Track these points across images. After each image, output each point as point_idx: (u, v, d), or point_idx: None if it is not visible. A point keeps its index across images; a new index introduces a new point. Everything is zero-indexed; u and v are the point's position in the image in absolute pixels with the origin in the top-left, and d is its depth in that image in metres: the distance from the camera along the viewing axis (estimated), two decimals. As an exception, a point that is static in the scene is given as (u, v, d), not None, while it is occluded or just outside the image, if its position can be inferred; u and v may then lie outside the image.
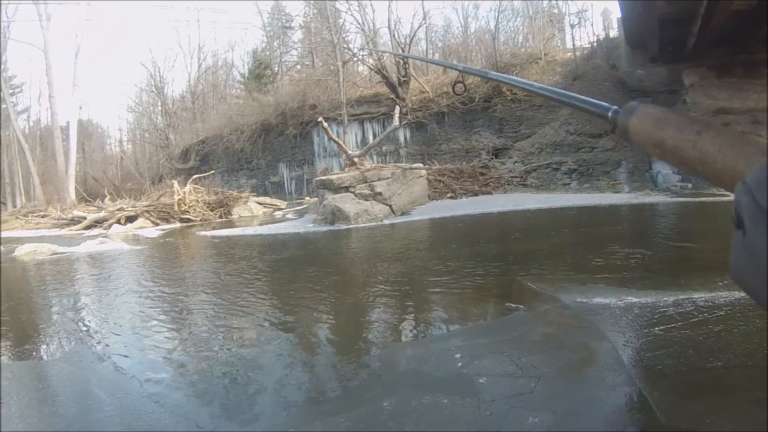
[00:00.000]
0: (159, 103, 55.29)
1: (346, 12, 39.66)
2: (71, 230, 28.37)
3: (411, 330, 7.59)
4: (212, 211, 29.26)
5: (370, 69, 37.04)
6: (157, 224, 28.02)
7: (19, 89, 62.17)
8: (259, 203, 32.36)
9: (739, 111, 22.81)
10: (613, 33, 33.62)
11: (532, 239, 14.53)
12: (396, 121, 27.25)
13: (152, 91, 56.94)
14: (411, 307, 8.75)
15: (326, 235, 19.03)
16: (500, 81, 1.91)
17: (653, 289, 8.01)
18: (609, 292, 8.08)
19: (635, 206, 19.81)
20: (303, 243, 17.98)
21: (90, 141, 64.21)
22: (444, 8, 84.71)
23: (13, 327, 9.37)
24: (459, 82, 2.78)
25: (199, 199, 29.65)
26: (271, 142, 40.69)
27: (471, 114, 32.46)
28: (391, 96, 33.86)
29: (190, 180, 31.20)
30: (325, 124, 25.18)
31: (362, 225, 20.00)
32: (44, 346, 8.03)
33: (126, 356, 7.07)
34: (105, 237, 23.51)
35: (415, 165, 26.78)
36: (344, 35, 40.00)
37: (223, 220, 28.55)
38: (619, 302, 7.52)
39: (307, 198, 33.71)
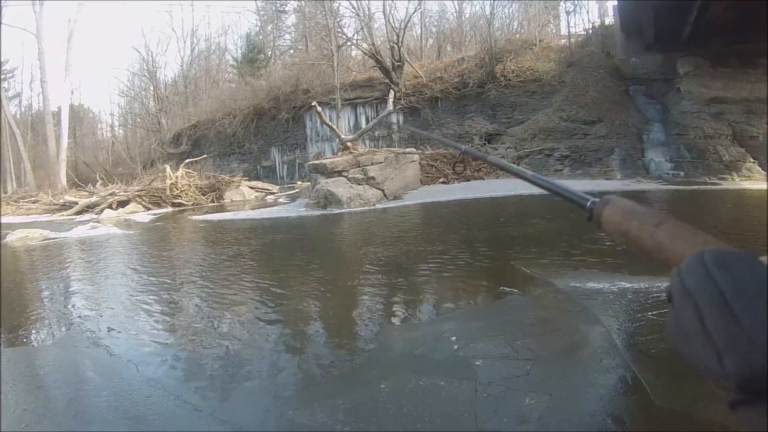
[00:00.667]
0: (151, 88, 54.93)
1: (341, -4, 39.47)
2: (63, 215, 28.21)
3: (406, 313, 7.63)
4: (204, 195, 29.20)
5: (364, 54, 36.90)
6: (149, 209, 27.91)
7: (10, 74, 61.93)
8: (251, 187, 32.24)
9: (733, 101, 22.91)
10: (609, 20, 33.68)
11: (525, 224, 14.61)
12: (390, 106, 27.20)
13: (144, 76, 56.60)
14: (405, 291, 8.77)
15: (319, 219, 19.03)
16: (498, 166, 1.96)
17: (646, 274, 8.02)
18: (602, 277, 8.16)
19: (628, 193, 19.50)
20: (296, 227, 17.97)
21: (81, 126, 63.92)
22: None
23: (7, 313, 9.35)
24: (459, 162, 2.82)
25: (191, 184, 29.58)
26: (263, 127, 40.62)
27: (464, 99, 32.43)
28: (385, 81, 33.75)
29: (183, 164, 31.16)
30: (319, 109, 25.05)
31: (355, 209, 20.03)
32: (38, 332, 8.01)
33: (120, 341, 7.08)
34: (96, 222, 23.46)
35: (408, 150, 26.85)
36: (339, 20, 39.92)
37: (215, 204, 28.46)
38: (612, 287, 7.60)
39: (299, 182, 33.64)
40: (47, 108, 47.01)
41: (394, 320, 7.34)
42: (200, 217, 22.30)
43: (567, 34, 35.54)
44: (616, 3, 28.43)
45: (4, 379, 5.94)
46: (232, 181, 30.94)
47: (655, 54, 26.12)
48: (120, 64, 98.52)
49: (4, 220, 28.36)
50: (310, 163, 24.68)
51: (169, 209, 27.32)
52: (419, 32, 43.55)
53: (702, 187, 19.63)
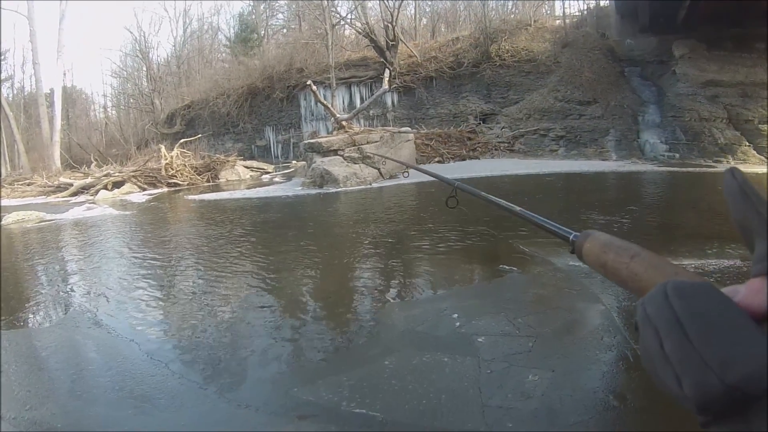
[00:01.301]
0: (144, 68, 54.77)
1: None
2: (58, 197, 28.16)
3: (407, 291, 7.67)
4: (199, 175, 29.17)
5: (358, 33, 36.75)
6: (144, 189, 27.88)
7: (2, 56, 61.61)
8: (246, 167, 32.19)
9: (729, 84, 22.87)
10: (604, 1, 33.52)
11: (521, 204, 14.34)
12: (385, 85, 27.14)
13: (137, 56, 56.44)
14: (404, 269, 8.83)
15: (315, 198, 19.07)
16: (491, 202, 2.03)
17: (644, 255, 8.07)
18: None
19: (623, 174, 19.97)
20: (292, 206, 18.03)
21: (74, 107, 63.58)
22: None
23: (7, 295, 9.35)
24: (452, 196, 2.84)
25: (186, 164, 29.52)
26: (257, 106, 40.46)
27: (459, 79, 32.30)
28: (379, 60, 33.64)
29: (177, 144, 31.08)
30: (314, 88, 25.03)
31: (351, 188, 20.06)
32: (39, 313, 8.01)
33: (121, 321, 7.10)
34: (92, 203, 23.46)
35: (403, 129, 26.66)
36: (332, -1, 39.53)
37: (211, 184, 28.43)
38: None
39: (294, 162, 33.54)
40: (40, 90, 46.94)
41: (394, 298, 7.37)
42: (196, 197, 22.28)
43: (562, 14, 35.33)
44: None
45: (7, 361, 5.95)
46: (228, 161, 30.88)
47: (650, 36, 26.05)
48: (112, 44, 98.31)
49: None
50: (305, 142, 24.62)
51: (165, 189, 27.31)
52: (413, 12, 43.42)
53: (697, 169, 19.63)
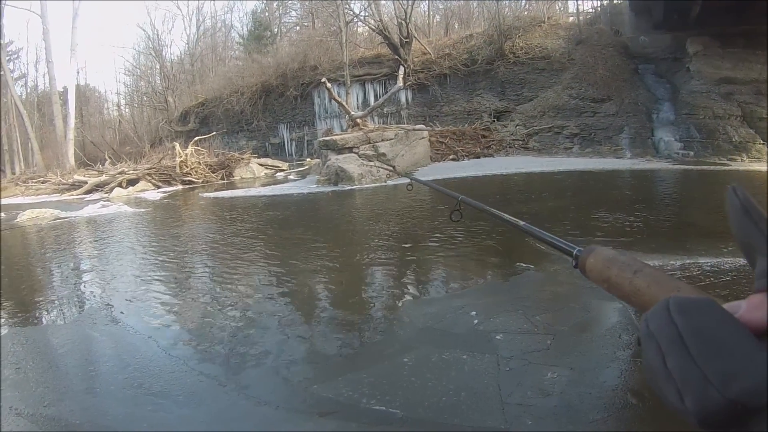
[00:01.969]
0: (157, 66, 54.85)
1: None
2: (72, 195, 28.30)
3: (424, 288, 7.68)
4: (214, 173, 29.28)
5: (372, 30, 36.72)
6: (159, 187, 28.04)
7: (15, 55, 61.85)
8: (261, 165, 32.31)
9: (743, 81, 22.74)
10: (618, -2, 33.41)
11: (537, 201, 14.63)
12: (400, 82, 27.21)
13: (150, 54, 56.57)
14: (422, 266, 8.83)
15: (331, 196, 19.11)
16: (495, 216, 2.02)
17: (659, 252, 8.10)
18: (615, 255, 8.10)
19: (638, 172, 19.84)
20: (307, 203, 18.07)
21: (88, 105, 63.71)
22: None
23: (24, 292, 9.41)
24: (456, 209, 2.84)
25: (201, 161, 29.63)
26: (271, 104, 40.41)
27: (473, 76, 32.23)
28: (393, 57, 33.65)
29: (192, 142, 31.18)
30: (329, 85, 25.01)
31: (366, 186, 20.09)
32: (56, 310, 8.04)
33: (138, 318, 7.13)
34: (107, 201, 23.62)
35: (417, 126, 26.73)
36: (345, -3, 39.47)
37: (225, 181, 28.56)
38: (626, 263, 7.51)
39: (308, 159, 33.65)
40: (53, 88, 47.03)
41: (412, 295, 7.37)
42: (211, 195, 22.40)
43: (575, 11, 35.26)
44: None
45: (24, 358, 6.00)
46: (242, 159, 31.02)
47: (664, 33, 25.95)
48: (125, 42, 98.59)
49: (14, 200, 28.43)
50: (320, 139, 24.69)
51: (179, 187, 27.44)
52: (426, 8, 43.34)
53: (711, 167, 19.53)
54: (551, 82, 29.40)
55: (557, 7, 38.43)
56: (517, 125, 29.18)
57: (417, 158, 24.76)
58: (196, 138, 32.39)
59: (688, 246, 8.42)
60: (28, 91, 61.51)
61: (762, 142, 21.82)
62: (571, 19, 34.73)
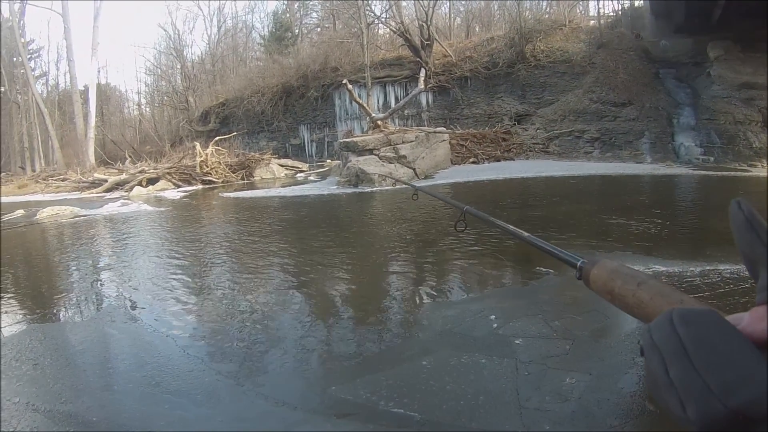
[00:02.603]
0: (178, 66, 55.20)
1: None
2: (92, 193, 28.55)
3: (443, 291, 7.65)
4: (234, 173, 29.46)
5: (393, 32, 36.76)
6: (179, 186, 28.26)
7: (37, 54, 62.38)
8: (281, 165, 32.43)
9: (763, 86, 22.50)
10: (638, 2, 33.30)
11: (558, 205, 14.57)
12: (421, 84, 27.28)
13: (171, 54, 56.93)
14: (441, 269, 8.81)
15: (351, 197, 19.17)
16: (499, 227, 2.03)
17: (679, 258, 8.04)
18: (636, 260, 8.14)
19: (658, 177, 19.74)
20: (327, 204, 18.11)
21: (108, 104, 64.24)
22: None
23: (42, 288, 9.47)
24: (461, 220, 2.83)
25: (221, 161, 29.78)
26: (292, 105, 40.60)
27: (494, 79, 32.27)
28: (414, 60, 33.76)
29: (212, 142, 31.33)
30: (350, 87, 25.09)
31: (386, 188, 20.08)
32: (75, 307, 8.05)
33: (157, 316, 7.14)
34: (127, 199, 23.82)
35: (438, 129, 26.77)
36: (367, -2, 39.51)
37: (245, 182, 28.73)
38: (646, 270, 7.45)
39: (329, 160, 33.79)
40: (74, 87, 47.38)
41: (431, 298, 7.35)
42: (231, 195, 22.49)
43: (596, 14, 35.23)
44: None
45: (42, 354, 6.02)
46: (262, 159, 31.19)
47: (685, 37, 25.79)
48: (146, 42, 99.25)
49: (34, 197, 28.66)
50: (341, 141, 24.79)
51: (199, 186, 27.67)
52: (447, 11, 43.44)
53: (731, 173, 19.42)
54: (572, 85, 29.34)
55: (578, 11, 38.40)
56: (537, 129, 29.17)
57: (437, 161, 24.78)
58: (217, 138, 32.62)
59: (708, 252, 8.35)
60: (49, 89, 62.25)
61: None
62: (592, 22, 34.76)
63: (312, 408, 4.52)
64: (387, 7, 37.54)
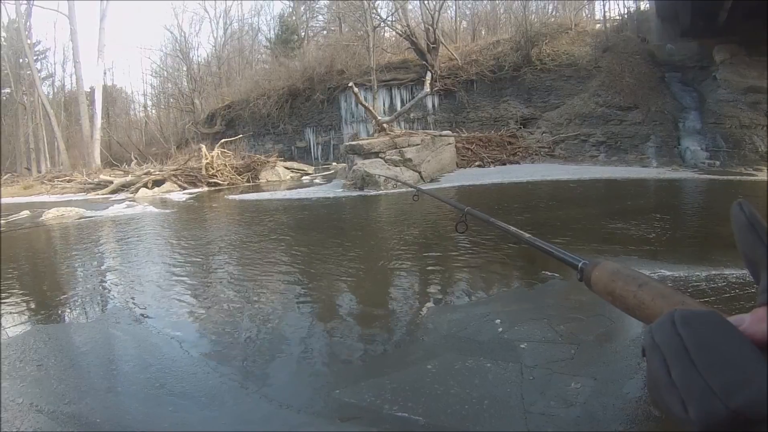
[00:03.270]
0: (184, 68, 55.48)
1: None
2: (97, 194, 28.58)
3: (448, 295, 7.63)
4: (240, 175, 29.46)
5: (399, 35, 36.80)
6: (185, 188, 28.27)
7: (43, 55, 62.55)
8: (287, 168, 32.40)
9: (770, 90, 22.56)
10: (644, 5, 33.28)
11: (563, 209, 14.55)
12: (427, 88, 27.22)
13: (177, 56, 57.19)
14: (446, 272, 8.78)
15: (357, 200, 19.15)
16: (500, 228, 2.04)
17: (685, 263, 8.02)
18: (642, 264, 8.09)
19: (663, 181, 19.72)
20: (333, 207, 18.08)
21: (114, 106, 64.38)
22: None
23: (47, 289, 9.46)
24: (462, 221, 2.83)
25: (227, 164, 29.77)
26: (297, 108, 40.73)
27: (500, 83, 32.33)
28: (420, 63, 33.84)
29: (218, 144, 31.34)
30: (356, 89, 25.15)
31: (392, 191, 20.07)
32: (79, 309, 8.04)
33: (162, 318, 7.13)
34: (132, 201, 23.84)
35: (444, 132, 26.84)
36: (373, 0, 39.59)
37: (251, 184, 28.71)
38: (652, 274, 7.26)
39: (334, 163, 33.76)
40: (81, 88, 47.57)
41: (436, 302, 7.34)
42: (237, 197, 22.52)
43: (602, 18, 35.22)
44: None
45: (47, 355, 6.01)
46: (268, 162, 31.15)
47: (691, 40, 25.79)
48: (153, 44, 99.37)
49: (40, 198, 28.73)
50: (346, 143, 24.79)
51: (205, 189, 27.69)
52: (453, 14, 43.49)
53: (737, 177, 19.37)
54: (578, 89, 29.38)
55: (584, 14, 38.43)
56: (543, 132, 29.21)
57: (443, 164, 24.82)
58: (223, 140, 32.62)
59: (714, 257, 8.33)
60: (55, 90, 62.44)
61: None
62: (597, 26, 34.75)
63: (316, 411, 4.51)
64: (393, 10, 37.53)
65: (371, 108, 27.29)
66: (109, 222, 17.49)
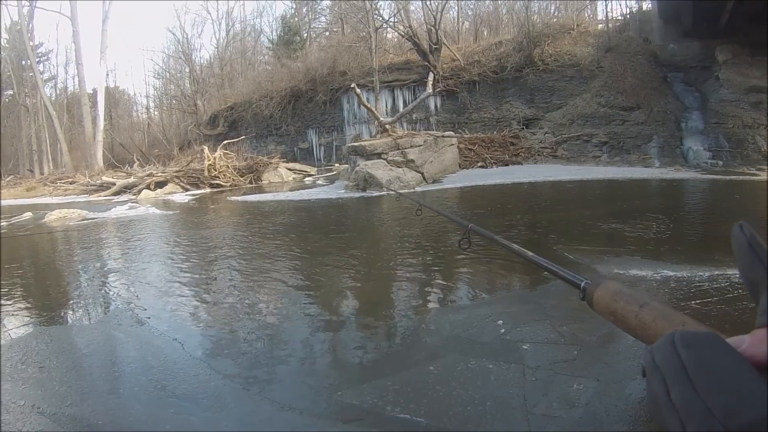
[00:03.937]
0: (187, 70, 55.59)
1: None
2: (100, 196, 28.70)
3: (451, 296, 7.63)
4: (242, 176, 29.53)
5: (401, 36, 36.80)
6: (187, 189, 28.36)
7: (45, 57, 62.69)
8: (289, 169, 32.51)
9: (773, 90, 22.53)
10: (647, 5, 33.26)
11: (566, 210, 14.57)
12: (429, 88, 27.28)
13: (180, 58, 57.26)
14: (448, 274, 8.76)
15: (359, 201, 19.17)
16: (504, 246, 2.04)
17: (688, 263, 8.00)
18: (645, 265, 8.08)
19: (666, 181, 19.69)
20: (335, 208, 18.12)
21: (117, 108, 64.63)
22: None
23: (49, 291, 9.48)
24: (465, 238, 2.84)
25: (229, 165, 29.86)
26: (300, 109, 40.75)
27: (502, 83, 32.30)
28: (422, 63, 33.81)
29: (221, 146, 31.40)
30: (358, 91, 25.20)
31: (394, 192, 19.99)
32: (81, 310, 8.06)
33: (164, 320, 7.13)
34: (135, 202, 23.91)
35: (446, 133, 26.84)
36: (375, 1, 39.52)
37: (253, 185, 28.79)
38: (655, 275, 7.52)
39: (337, 164, 33.76)
40: (83, 90, 47.71)
41: (438, 302, 7.33)
42: (239, 198, 22.59)
43: (605, 18, 35.20)
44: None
45: (48, 357, 6.02)
46: (270, 163, 31.23)
47: (693, 41, 25.79)
48: (155, 46, 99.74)
49: (42, 200, 28.81)
50: (349, 145, 24.85)
51: (207, 190, 27.79)
52: (455, 15, 43.54)
53: (740, 177, 19.33)
54: (580, 89, 29.38)
55: (586, 15, 38.39)
56: (545, 133, 29.24)
57: (445, 165, 24.82)
58: (225, 141, 32.69)
59: (717, 257, 8.30)
60: (58, 92, 62.72)
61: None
62: (600, 26, 34.71)
63: (318, 412, 4.51)
64: (395, 11, 37.55)
65: (374, 109, 27.36)
66: (111, 223, 17.51)
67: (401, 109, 31.04)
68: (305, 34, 54.96)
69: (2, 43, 54.76)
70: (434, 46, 33.37)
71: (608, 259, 8.56)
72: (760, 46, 22.64)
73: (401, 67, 36.15)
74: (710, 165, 22.88)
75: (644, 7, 33.46)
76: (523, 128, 30.71)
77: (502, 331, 5.91)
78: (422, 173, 22.33)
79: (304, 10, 56.93)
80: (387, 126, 24.53)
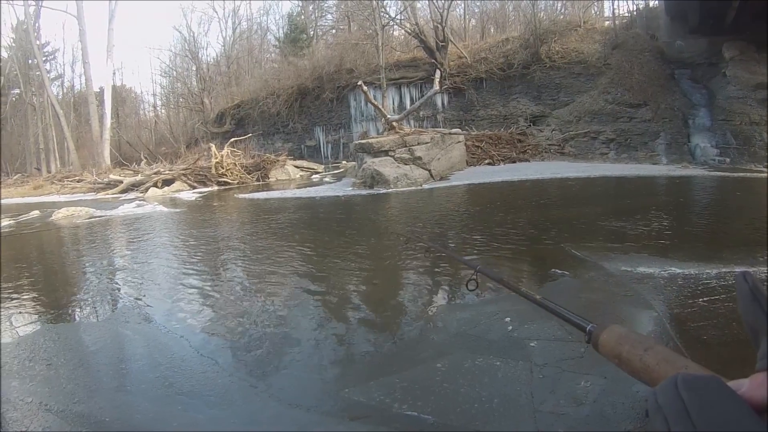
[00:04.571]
0: (193, 68, 55.65)
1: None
2: (107, 194, 28.74)
3: (458, 293, 7.60)
4: (249, 174, 29.55)
5: (408, 33, 36.74)
6: (194, 187, 28.44)
7: (52, 56, 62.82)
8: (297, 167, 32.57)
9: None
10: (654, 2, 33.20)
11: (573, 207, 14.55)
12: (436, 86, 27.21)
13: (186, 56, 57.25)
14: (455, 271, 8.72)
15: (366, 199, 19.15)
16: (512, 289, 2.05)
17: (695, 260, 7.97)
18: (652, 262, 8.04)
19: (674, 178, 19.63)
20: (343, 206, 18.12)
21: (124, 106, 64.71)
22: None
23: (57, 288, 9.49)
24: (472, 279, 2.84)
25: (237, 163, 29.89)
26: (307, 106, 40.78)
27: (509, 80, 32.27)
28: (429, 61, 33.77)
29: (228, 143, 31.45)
30: (365, 88, 25.19)
31: (402, 189, 20.11)
32: (89, 308, 8.04)
33: (171, 317, 7.13)
34: (142, 200, 23.98)
35: (453, 130, 26.85)
36: (382, -1, 39.50)
37: (261, 183, 28.84)
38: (662, 272, 7.47)
39: (344, 162, 33.78)
40: (90, 88, 47.80)
41: (446, 299, 7.35)
42: (246, 196, 22.61)
43: (611, 15, 35.10)
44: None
45: (56, 354, 6.03)
46: (278, 160, 31.27)
47: (700, 38, 25.72)
48: (162, 44, 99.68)
49: (50, 198, 28.88)
50: (356, 142, 24.77)
51: (215, 188, 27.86)
52: (462, 12, 43.50)
53: (748, 174, 19.31)
54: (587, 86, 29.30)
55: (593, 12, 38.30)
56: (553, 130, 29.17)
57: (453, 162, 24.82)
58: (232, 139, 32.76)
59: (724, 254, 8.30)
60: (65, 91, 62.83)
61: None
62: (606, 23, 34.68)
63: (325, 410, 4.51)
64: (402, 9, 37.44)
65: (381, 106, 27.31)
66: (118, 221, 17.54)
67: (408, 107, 30.96)
68: (312, 32, 54.94)
69: (8, 42, 54.97)
70: (441, 44, 33.30)
71: (615, 256, 8.51)
72: (764, 44, 22.60)
73: (408, 65, 36.10)
74: (718, 162, 22.83)
75: (651, 4, 33.46)
76: (530, 125, 30.64)
77: (510, 328, 5.91)
78: (429, 170, 22.33)
79: (311, 7, 56.87)
80: (394, 123, 24.51)
